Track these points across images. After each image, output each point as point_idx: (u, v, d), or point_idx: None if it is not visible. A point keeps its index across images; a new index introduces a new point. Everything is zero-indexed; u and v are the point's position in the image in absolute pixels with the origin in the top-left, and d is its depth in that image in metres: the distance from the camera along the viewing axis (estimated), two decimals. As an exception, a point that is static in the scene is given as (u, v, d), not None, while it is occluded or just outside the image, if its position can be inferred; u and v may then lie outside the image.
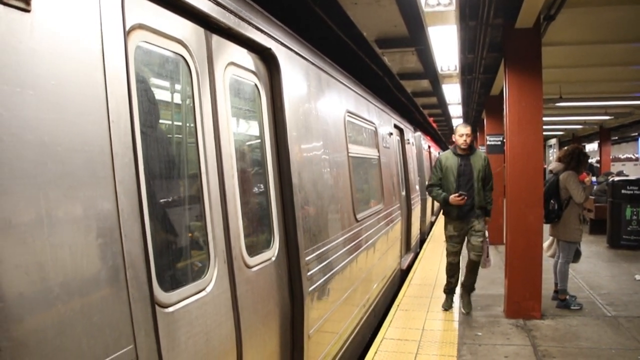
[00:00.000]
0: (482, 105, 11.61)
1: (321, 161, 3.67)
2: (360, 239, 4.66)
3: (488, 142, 10.38)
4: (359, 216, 4.66)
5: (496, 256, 8.64)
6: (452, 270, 5.53)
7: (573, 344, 4.45)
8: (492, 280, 6.83)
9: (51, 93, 1.35)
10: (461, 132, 5.33)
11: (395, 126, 7.93)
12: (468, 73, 8.07)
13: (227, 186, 2.31)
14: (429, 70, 9.48)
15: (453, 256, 5.44)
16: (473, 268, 5.42)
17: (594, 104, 11.28)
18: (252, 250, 2.54)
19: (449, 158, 5.38)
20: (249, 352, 2.39)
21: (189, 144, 2.18)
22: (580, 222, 5.52)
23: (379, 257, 5.65)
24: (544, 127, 5.79)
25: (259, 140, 2.81)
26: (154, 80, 2.01)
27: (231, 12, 2.38)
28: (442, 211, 5.61)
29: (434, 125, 22.32)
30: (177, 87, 2.16)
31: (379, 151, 6.17)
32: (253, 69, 2.71)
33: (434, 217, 14.34)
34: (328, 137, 3.92)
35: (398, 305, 5.76)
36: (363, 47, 7.61)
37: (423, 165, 11.36)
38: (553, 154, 16.63)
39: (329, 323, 3.60)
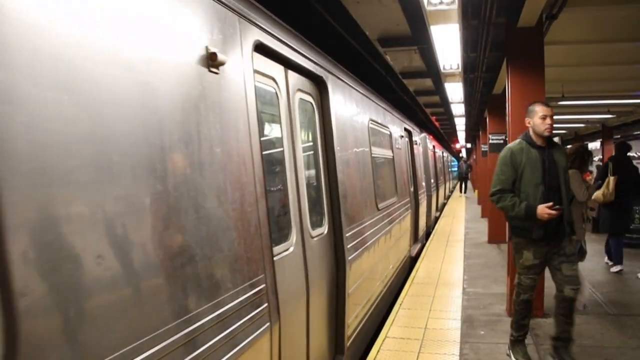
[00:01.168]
0: (484, 104, 11.62)
1: (354, 161, 4.54)
2: (381, 224, 5.46)
3: (490, 141, 10.38)
4: (379, 206, 5.47)
5: (499, 255, 8.66)
6: (526, 309, 3.95)
7: (575, 343, 4.44)
8: (495, 278, 6.84)
9: (230, 120, 2.22)
10: (544, 112, 3.72)
11: (405, 129, 8.70)
12: (470, 72, 8.08)
13: (299, 179, 3.19)
14: (431, 69, 9.49)
15: (530, 292, 3.87)
16: (569, 310, 3.77)
17: (596, 102, 11.25)
18: (313, 225, 3.39)
19: (524, 151, 3.77)
20: (312, 299, 3.24)
21: (278, 149, 3.03)
22: (583, 221, 5.52)
23: (394, 242, 6.38)
24: (547, 125, 5.73)
25: (314, 145, 3.69)
26: (261, 106, 2.72)
27: (300, 54, 3.27)
28: (509, 228, 4.04)
29: (437, 124, 22.32)
30: (271, 109, 3.00)
31: (392, 152, 6.96)
32: (311, 92, 3.61)
33: (438, 213, 14.90)
34: (358, 141, 4.78)
35: (400, 304, 5.77)
36: (365, 45, 7.61)
37: (429, 164, 12.26)
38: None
39: (361, 288, 4.44)
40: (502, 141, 9.86)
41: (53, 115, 1.31)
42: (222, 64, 2.14)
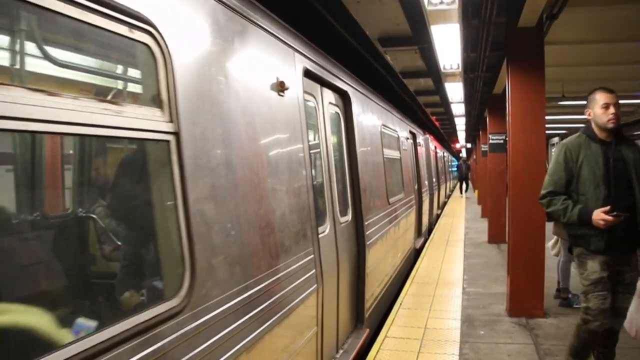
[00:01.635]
0: (484, 103, 11.62)
1: (370, 161, 5.24)
2: (391, 216, 6.14)
3: (491, 141, 10.38)
4: (390, 201, 6.16)
5: (499, 255, 8.66)
6: (594, 341, 3.37)
7: (575, 343, 4.46)
8: (495, 278, 6.84)
9: (290, 130, 2.97)
10: (605, 99, 3.16)
11: (410, 132, 9.42)
12: (471, 72, 8.08)
13: (331, 175, 3.90)
14: (431, 68, 9.49)
15: (601, 318, 3.15)
16: (610, 342, 3.43)
17: (597, 102, 11.25)
18: (341, 214, 4.07)
19: (584, 146, 3.22)
20: (341, 272, 3.94)
21: (317, 151, 3.72)
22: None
23: (402, 233, 7.10)
24: (547, 125, 5.75)
25: (340, 148, 4.39)
26: (306, 118, 3.33)
27: (331, 73, 4.06)
28: (566, 234, 3.56)
29: (437, 123, 22.31)
30: (312, 120, 3.64)
31: (400, 153, 7.67)
32: (337, 103, 4.37)
33: (439, 211, 15.73)
34: (373, 144, 5.52)
35: (400, 304, 5.77)
36: (365, 45, 7.61)
37: (431, 164, 13.15)
38: (555, 152, 16.57)
39: (377, 270, 5.14)
40: (502, 141, 9.87)
41: (212, 132, 2.08)
42: (287, 88, 2.89)
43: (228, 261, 2.10)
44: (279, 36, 2.94)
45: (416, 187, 9.52)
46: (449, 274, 7.27)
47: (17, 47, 1.49)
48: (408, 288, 6.49)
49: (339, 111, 4.39)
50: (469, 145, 29.12)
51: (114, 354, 1.38)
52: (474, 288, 6.43)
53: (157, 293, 1.86)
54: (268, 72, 2.73)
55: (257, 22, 2.64)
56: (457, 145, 35.09)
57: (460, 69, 7.33)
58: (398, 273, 6.73)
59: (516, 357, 4.19)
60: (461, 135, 24.95)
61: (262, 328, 2.33)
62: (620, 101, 3.28)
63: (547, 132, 7.06)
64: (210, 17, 2.18)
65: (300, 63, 3.26)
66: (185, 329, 1.73)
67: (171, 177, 1.77)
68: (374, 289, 4.96)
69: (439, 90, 12.19)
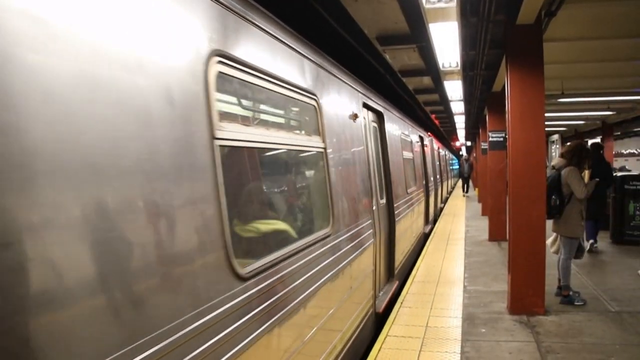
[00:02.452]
0: (484, 101, 11.60)
1: (396, 161, 6.97)
2: (409, 203, 7.86)
3: (490, 139, 10.37)
4: (408, 191, 7.89)
5: (499, 253, 8.65)
6: None
7: (577, 340, 4.45)
8: (495, 276, 6.84)
9: (359, 143, 4.77)
10: None
11: (419, 136, 11.01)
12: (470, 70, 8.05)
13: (375, 171, 5.49)
14: (430, 67, 9.47)
15: None
16: None
17: (596, 99, 11.24)
18: (380, 197, 5.75)
19: None
20: (382, 236, 5.71)
21: (367, 154, 5.13)
22: (581, 218, 5.51)
23: (415, 218, 8.82)
24: (546, 123, 5.73)
25: (377, 152, 5.90)
26: (364, 133, 5.07)
27: (374, 101, 5.78)
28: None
29: (436, 122, 22.28)
30: (365, 134, 5.15)
31: (413, 154, 9.22)
32: (375, 120, 6.03)
33: (442, 205, 17.24)
34: (397, 148, 7.27)
35: (401, 303, 5.76)
36: (364, 44, 7.60)
37: (435, 163, 14.82)
38: (555, 149, 16.57)
39: (401, 241, 6.83)
40: (501, 139, 9.86)
41: (335, 145, 3.93)
42: (357, 117, 4.67)
43: (342, 214, 3.88)
44: (352, 85, 4.77)
45: (424, 182, 10.88)
46: (449, 272, 7.26)
47: (296, 117, 3.50)
48: (409, 287, 6.48)
49: (376, 126, 6.12)
50: (468, 144, 29.05)
51: (313, 247, 3.13)
52: (475, 286, 6.43)
53: (323, 224, 3.54)
54: (349, 108, 4.47)
55: (343, 79, 4.43)
56: (457, 144, 35.06)
57: (459, 67, 7.31)
58: (413, 249, 8.52)
59: (517, 354, 4.19)
60: (461, 133, 24.84)
61: (356, 253, 4.19)
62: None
63: (546, 129, 7.05)
64: (328, 83, 3.87)
65: (361, 99, 5.07)
66: (331, 244, 3.51)
67: (324, 169, 3.56)
68: (399, 254, 6.64)
69: (438, 89, 12.18)
